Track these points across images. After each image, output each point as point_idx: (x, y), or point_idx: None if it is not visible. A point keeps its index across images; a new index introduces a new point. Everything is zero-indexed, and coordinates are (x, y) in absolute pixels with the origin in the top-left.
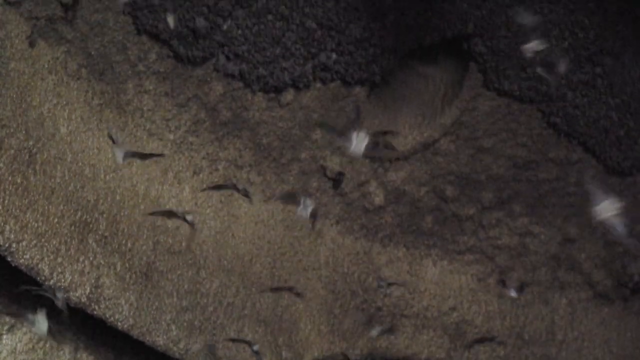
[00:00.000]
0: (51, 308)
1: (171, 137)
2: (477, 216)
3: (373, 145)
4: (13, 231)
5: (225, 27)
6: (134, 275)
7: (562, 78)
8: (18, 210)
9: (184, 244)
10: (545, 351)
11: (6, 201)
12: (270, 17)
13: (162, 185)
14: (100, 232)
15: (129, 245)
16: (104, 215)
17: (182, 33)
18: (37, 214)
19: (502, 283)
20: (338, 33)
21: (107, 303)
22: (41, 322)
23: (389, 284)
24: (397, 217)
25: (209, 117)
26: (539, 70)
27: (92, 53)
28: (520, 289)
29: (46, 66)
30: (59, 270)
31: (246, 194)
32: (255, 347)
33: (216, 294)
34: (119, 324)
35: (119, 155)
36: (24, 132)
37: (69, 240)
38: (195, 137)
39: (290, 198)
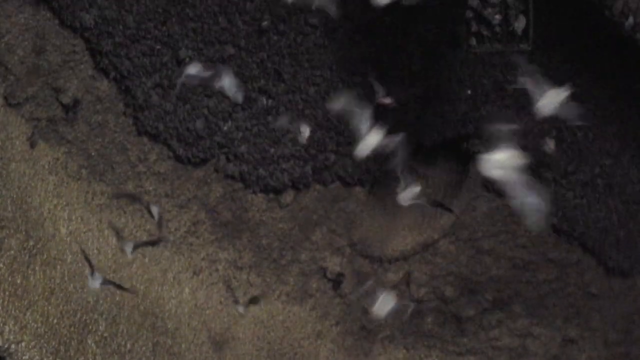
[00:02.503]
0: None
1: (171, 237)
2: (477, 317)
3: None
4: (12, 332)
5: (225, 128)
6: None
7: (561, 177)
8: (17, 311)
9: (183, 345)
10: None
11: (6, 302)
12: (270, 118)
13: (162, 285)
14: (99, 333)
15: (129, 346)
16: (104, 316)
17: (182, 134)
18: (37, 314)
19: None
20: (337, 134)
21: None
22: None
23: None
24: (397, 318)
25: (208, 218)
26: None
27: (93, 154)
28: None
29: (47, 167)
30: None
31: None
32: None
33: None
34: None
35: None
36: (24, 232)
37: (68, 341)
38: (195, 238)
39: None
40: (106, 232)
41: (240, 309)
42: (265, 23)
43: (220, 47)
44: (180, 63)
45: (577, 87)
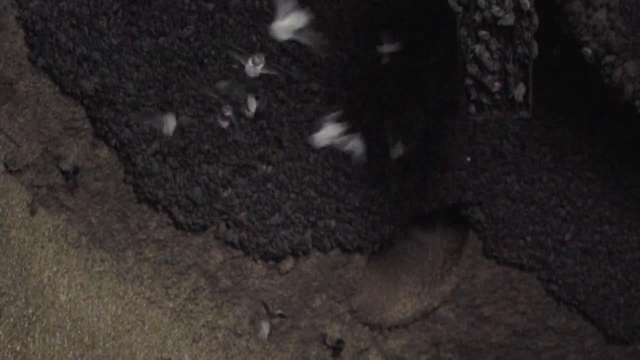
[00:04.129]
0: None
1: (171, 305)
2: None
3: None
4: None
5: (225, 195)
6: None
7: (563, 245)
8: None
9: None
10: None
11: None
12: (269, 185)
13: (162, 353)
14: None
15: None
16: None
17: (182, 201)
18: None
19: None
20: (337, 201)
21: None
22: None
23: None
24: None
25: (208, 285)
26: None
27: (93, 221)
28: None
29: (46, 234)
30: None
31: None
32: None
33: None
34: None
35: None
36: (23, 300)
37: None
38: (195, 305)
39: None
40: (106, 299)
41: None
42: (263, 91)
43: (220, 113)
44: (181, 130)
45: (576, 155)
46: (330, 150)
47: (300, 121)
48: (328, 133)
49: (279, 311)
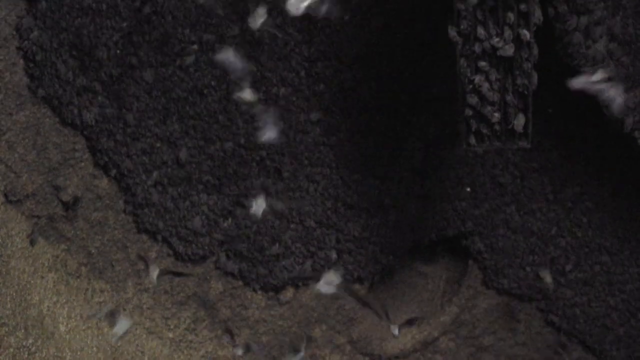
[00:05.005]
0: None
1: (170, 335)
2: None
3: None
4: None
5: (225, 225)
6: None
7: (563, 276)
8: None
9: None
10: None
11: None
12: (269, 215)
13: None
14: None
15: None
16: None
17: (182, 232)
18: None
19: None
20: (337, 231)
21: None
22: None
23: None
24: None
25: (208, 316)
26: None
27: (92, 251)
28: None
29: (46, 264)
30: None
31: None
32: None
33: None
34: None
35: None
36: (23, 330)
37: None
38: (195, 336)
39: None
40: (105, 329)
41: None
42: (263, 121)
43: (220, 144)
44: (181, 161)
45: (575, 186)
46: (331, 181)
47: (300, 152)
48: None
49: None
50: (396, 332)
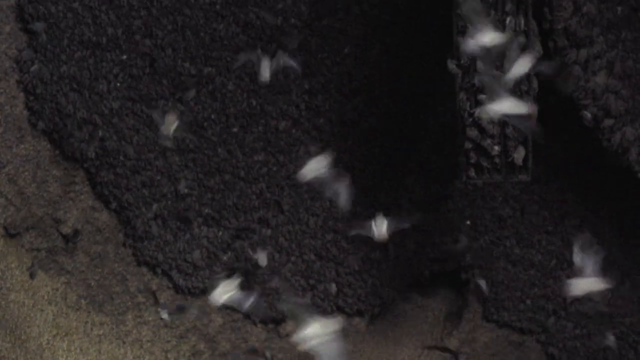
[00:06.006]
0: None
1: None
2: None
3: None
4: None
5: (225, 258)
6: None
7: (563, 309)
8: None
9: None
10: None
11: None
12: (269, 248)
13: None
14: None
15: None
16: None
17: (182, 265)
18: None
19: None
20: (337, 264)
21: None
22: None
23: None
24: None
25: (208, 348)
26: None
27: (92, 284)
28: None
29: (46, 297)
30: None
31: None
32: None
33: None
34: None
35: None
36: None
37: None
38: None
39: None
40: None
41: None
42: (264, 155)
43: (220, 177)
44: (181, 193)
45: (575, 218)
46: (330, 214)
47: (299, 184)
48: None
49: None
50: None
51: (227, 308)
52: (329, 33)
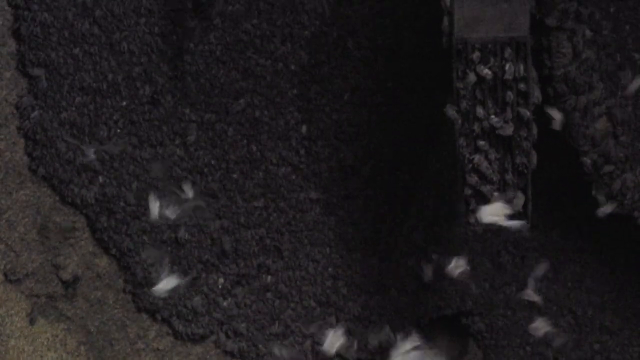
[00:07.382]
0: None
1: None
2: None
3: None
4: None
5: (225, 304)
6: None
7: (560, 354)
8: None
9: None
10: None
11: None
12: (269, 295)
13: None
14: None
15: None
16: None
17: (182, 311)
18: None
19: None
20: (337, 310)
21: None
22: None
23: None
24: None
25: None
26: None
27: (92, 330)
28: None
29: (46, 343)
30: None
31: None
32: None
33: None
34: None
35: None
36: None
37: None
38: None
39: None
40: None
41: None
42: (263, 201)
43: (220, 223)
44: (181, 240)
45: (575, 264)
46: (330, 260)
47: (299, 230)
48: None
49: None
50: None
51: (226, 354)
52: (329, 79)
